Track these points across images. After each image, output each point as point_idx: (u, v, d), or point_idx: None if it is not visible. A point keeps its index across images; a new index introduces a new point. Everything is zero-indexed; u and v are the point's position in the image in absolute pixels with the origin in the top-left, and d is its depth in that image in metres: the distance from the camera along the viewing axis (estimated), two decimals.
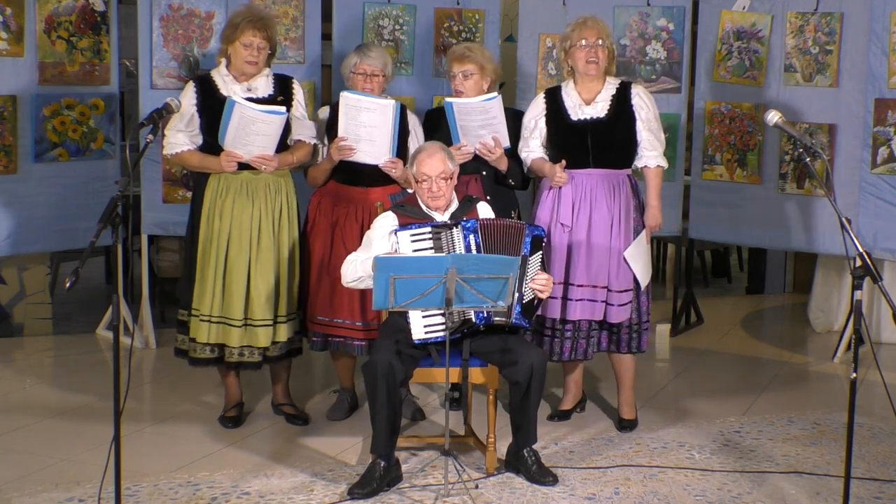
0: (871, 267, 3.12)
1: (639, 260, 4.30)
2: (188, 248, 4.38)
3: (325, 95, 5.92)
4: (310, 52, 5.57)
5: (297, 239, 4.38)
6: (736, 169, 5.78)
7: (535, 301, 3.90)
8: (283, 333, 4.34)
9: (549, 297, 4.11)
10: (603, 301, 4.26)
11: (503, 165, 4.41)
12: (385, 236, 3.85)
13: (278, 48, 5.38)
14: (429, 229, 3.82)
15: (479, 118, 4.29)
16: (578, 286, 4.25)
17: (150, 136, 3.50)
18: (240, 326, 4.25)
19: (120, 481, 3.17)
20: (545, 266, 3.96)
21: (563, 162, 4.21)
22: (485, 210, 4.05)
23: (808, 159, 3.38)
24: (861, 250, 3.15)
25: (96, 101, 5.56)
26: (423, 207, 3.95)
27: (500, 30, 5.90)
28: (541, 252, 3.92)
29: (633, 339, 4.37)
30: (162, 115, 3.64)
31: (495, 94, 4.35)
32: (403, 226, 3.84)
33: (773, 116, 3.54)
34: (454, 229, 3.82)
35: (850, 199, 5.34)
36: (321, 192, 4.48)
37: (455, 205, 4.00)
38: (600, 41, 4.24)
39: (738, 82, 5.72)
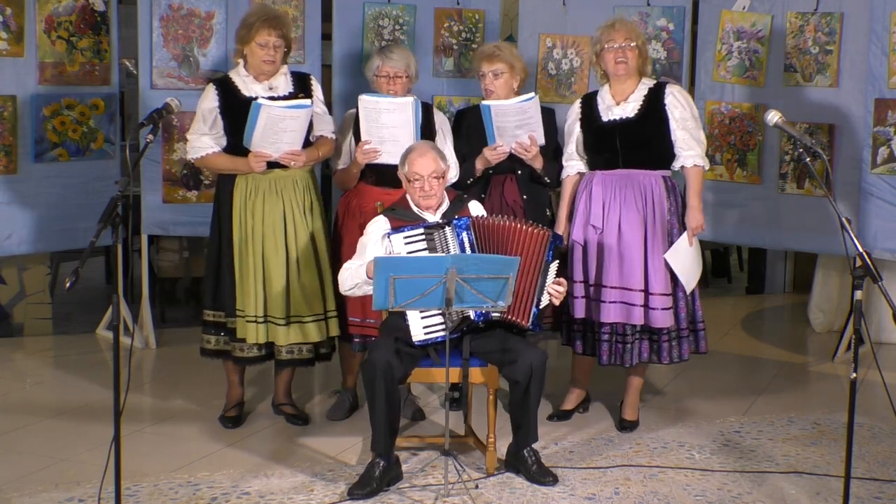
0: (871, 267, 3.12)
1: (681, 263, 4.25)
2: (214, 250, 4.39)
3: (326, 96, 5.89)
4: (310, 52, 5.56)
5: (327, 231, 4.42)
6: (736, 169, 5.78)
7: (546, 307, 3.91)
8: (335, 328, 4.37)
9: (574, 297, 4.18)
10: (641, 305, 4.22)
11: (539, 164, 4.40)
12: (378, 241, 3.86)
13: None
14: (421, 230, 3.82)
15: (515, 119, 4.29)
16: (612, 288, 4.23)
17: (150, 136, 3.50)
18: (284, 324, 4.26)
19: (120, 481, 3.17)
20: (562, 273, 3.96)
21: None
22: (476, 208, 4.05)
23: (808, 159, 3.38)
24: (861, 250, 3.15)
25: (96, 101, 5.56)
26: (415, 209, 3.96)
27: (500, 30, 5.91)
28: (559, 262, 3.92)
29: (674, 347, 4.32)
30: (162, 115, 3.64)
31: (532, 94, 4.34)
32: (396, 228, 3.84)
33: (773, 116, 3.54)
34: (446, 228, 3.83)
35: (850, 199, 5.34)
36: (350, 193, 4.49)
37: (446, 204, 4.00)
38: (630, 42, 4.23)
39: (738, 82, 5.72)
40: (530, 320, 3.84)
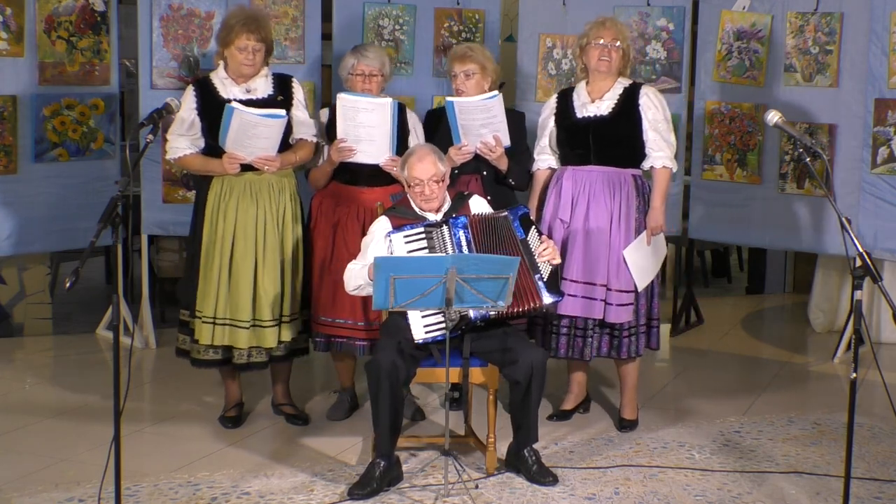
0: (871, 267, 3.12)
1: (637, 261, 4.28)
2: (190, 250, 4.38)
3: (326, 95, 5.92)
4: (310, 52, 5.57)
5: (301, 238, 4.38)
6: (736, 169, 5.78)
7: (554, 272, 3.89)
8: (288, 333, 4.34)
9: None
10: (602, 300, 4.25)
11: (503, 165, 4.41)
12: (380, 240, 3.86)
13: (278, 48, 5.41)
14: (421, 229, 3.82)
15: (480, 117, 4.29)
16: (572, 282, 4.24)
17: (150, 136, 3.50)
18: (248, 328, 4.25)
19: (120, 481, 3.17)
20: (540, 235, 3.96)
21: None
22: (478, 204, 4.05)
23: (808, 159, 3.38)
24: (861, 250, 3.15)
25: (96, 101, 5.56)
26: (416, 208, 3.96)
27: (500, 30, 5.91)
28: (534, 226, 3.92)
29: (632, 343, 4.34)
30: (162, 115, 3.64)
31: (496, 92, 4.35)
32: (396, 227, 3.84)
33: (773, 116, 3.54)
34: (443, 227, 3.83)
35: (850, 199, 5.33)
36: (322, 193, 4.48)
37: (448, 204, 4.00)
38: (616, 42, 4.25)
39: (738, 82, 5.72)
40: (542, 298, 3.81)
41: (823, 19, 5.43)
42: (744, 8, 5.66)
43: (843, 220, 3.20)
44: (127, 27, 5.94)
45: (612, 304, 4.26)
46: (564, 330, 4.32)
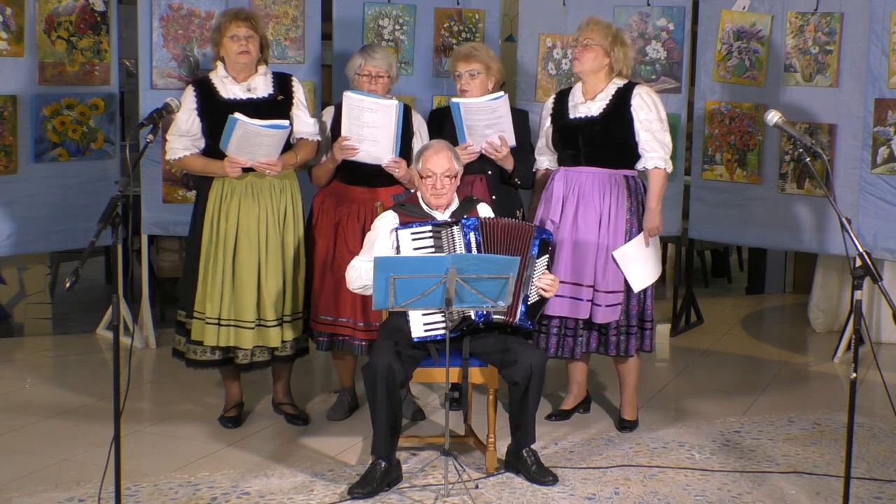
0: (871, 267, 3.12)
1: (632, 263, 4.26)
2: (189, 251, 4.38)
3: (325, 95, 5.92)
4: (310, 52, 5.57)
5: (302, 238, 4.38)
6: (736, 169, 5.78)
7: (540, 302, 3.91)
8: (290, 333, 4.35)
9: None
10: (589, 300, 4.24)
11: (509, 165, 4.41)
12: (386, 236, 3.85)
13: (278, 48, 5.42)
14: (429, 228, 3.82)
15: (485, 117, 4.29)
16: (560, 282, 4.24)
17: (150, 136, 3.50)
18: (252, 328, 4.25)
19: (120, 481, 3.17)
20: (550, 268, 3.97)
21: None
22: (485, 211, 4.06)
23: (808, 159, 3.38)
24: (861, 250, 3.15)
25: (96, 101, 5.56)
26: (424, 207, 3.96)
27: (500, 30, 5.91)
28: (547, 256, 3.93)
29: (622, 341, 4.33)
30: (162, 115, 3.64)
31: (501, 93, 4.35)
32: (404, 224, 3.84)
33: (773, 116, 3.54)
34: (454, 227, 3.83)
35: (850, 199, 5.33)
36: (324, 192, 4.48)
37: (455, 205, 4.00)
38: (587, 41, 4.24)
39: (738, 82, 5.72)
40: (517, 317, 3.83)
41: (823, 19, 5.44)
42: (744, 8, 5.66)
43: (843, 220, 3.20)
44: (127, 27, 5.95)
45: (599, 305, 4.24)
46: (554, 330, 4.32)
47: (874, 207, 5.30)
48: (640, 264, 4.27)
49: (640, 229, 4.29)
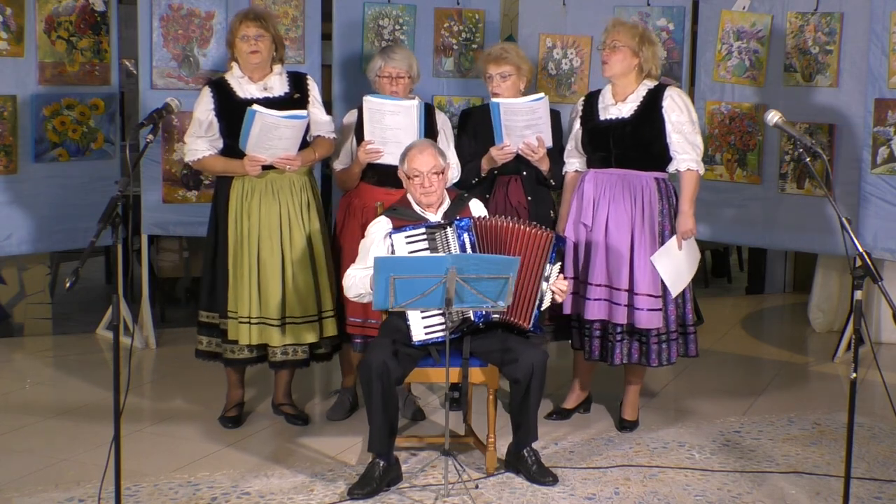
0: (871, 267, 3.11)
1: (667, 267, 4.23)
2: (210, 251, 4.39)
3: (326, 95, 5.90)
4: (310, 52, 5.56)
5: (326, 232, 4.41)
6: (736, 169, 5.78)
7: (549, 308, 3.91)
8: (332, 328, 4.37)
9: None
10: (625, 304, 4.21)
11: (545, 166, 4.40)
12: (380, 241, 3.86)
13: None
14: (423, 230, 3.82)
15: (524, 118, 4.29)
16: (596, 286, 4.22)
17: (150, 136, 3.50)
18: (278, 325, 4.26)
19: (120, 481, 3.17)
20: (562, 270, 3.97)
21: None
22: (477, 207, 4.05)
23: (808, 159, 3.38)
24: (861, 250, 3.15)
25: (96, 101, 5.56)
26: (416, 208, 3.96)
27: (500, 30, 5.91)
28: (561, 262, 3.93)
29: (664, 350, 4.28)
30: (162, 115, 3.65)
31: (542, 94, 4.34)
32: (398, 228, 3.84)
33: (773, 116, 3.54)
34: (447, 229, 3.83)
35: (850, 199, 5.33)
36: (351, 194, 4.49)
37: (447, 203, 4.00)
38: (615, 43, 4.22)
39: (738, 82, 5.72)
40: (531, 322, 3.84)
41: (823, 19, 5.43)
42: (744, 8, 5.66)
43: (843, 220, 3.20)
44: (127, 27, 5.94)
45: (641, 310, 4.19)
46: (597, 333, 4.30)
47: (874, 207, 5.30)
48: (676, 267, 4.24)
49: (672, 232, 4.26)
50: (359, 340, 4.42)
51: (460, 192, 4.14)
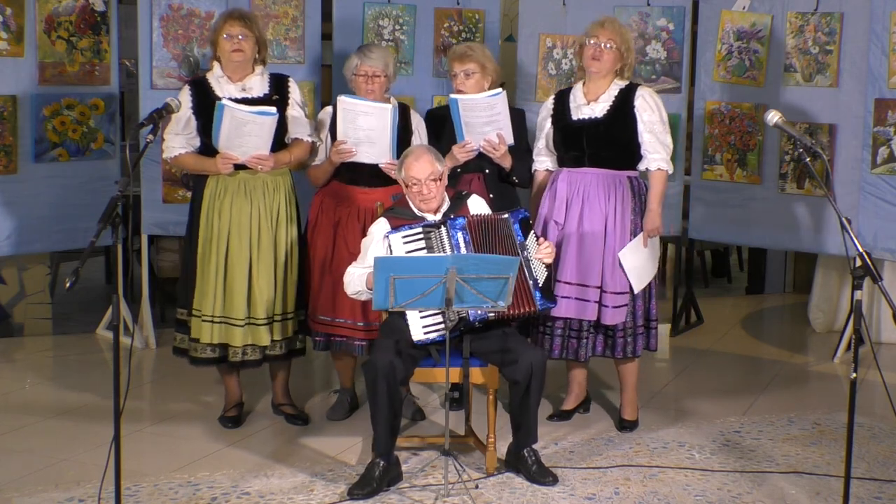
0: (871, 267, 3.11)
1: (632, 263, 4.26)
2: (187, 249, 4.39)
3: (325, 95, 5.92)
4: (310, 52, 5.57)
5: (296, 237, 4.38)
6: (736, 169, 5.78)
7: (548, 277, 3.89)
8: (282, 332, 4.35)
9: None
10: (596, 301, 4.25)
11: (507, 163, 4.41)
12: (379, 241, 3.86)
13: (278, 48, 5.42)
14: (419, 230, 3.82)
15: (483, 114, 4.29)
16: (566, 283, 4.24)
17: (150, 136, 3.50)
18: (242, 326, 4.25)
19: (120, 481, 3.17)
20: (538, 238, 3.96)
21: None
22: (476, 204, 4.05)
23: (808, 159, 3.38)
24: (861, 250, 3.15)
25: (96, 101, 5.56)
26: (415, 210, 3.96)
27: (500, 30, 5.91)
28: (532, 231, 3.93)
29: (629, 343, 4.33)
30: (162, 115, 3.64)
31: (500, 89, 4.35)
32: (395, 228, 3.85)
33: (773, 116, 3.54)
34: (441, 228, 3.83)
35: (850, 199, 5.33)
36: (323, 192, 4.48)
37: (447, 204, 4.00)
38: (609, 44, 4.23)
39: (738, 82, 5.72)
40: (537, 304, 3.83)
41: (823, 19, 5.43)
42: (744, 8, 5.66)
43: (843, 220, 3.19)
44: (127, 27, 5.94)
45: (607, 307, 4.25)
46: (559, 331, 4.32)
47: (874, 207, 5.30)
48: (639, 265, 4.28)
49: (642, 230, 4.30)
50: (320, 339, 4.41)
51: (458, 191, 4.14)
